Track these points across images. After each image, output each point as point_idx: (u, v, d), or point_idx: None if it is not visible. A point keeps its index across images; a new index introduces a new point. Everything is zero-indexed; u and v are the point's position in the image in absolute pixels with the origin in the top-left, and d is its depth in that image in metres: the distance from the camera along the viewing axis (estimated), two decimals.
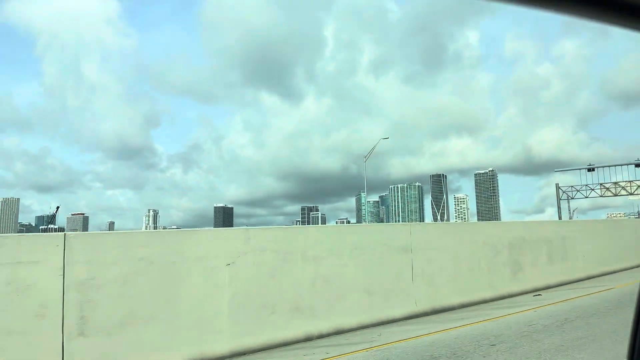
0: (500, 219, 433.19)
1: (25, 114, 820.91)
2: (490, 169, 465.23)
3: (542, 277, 12.64)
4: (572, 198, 68.02)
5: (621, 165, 61.11)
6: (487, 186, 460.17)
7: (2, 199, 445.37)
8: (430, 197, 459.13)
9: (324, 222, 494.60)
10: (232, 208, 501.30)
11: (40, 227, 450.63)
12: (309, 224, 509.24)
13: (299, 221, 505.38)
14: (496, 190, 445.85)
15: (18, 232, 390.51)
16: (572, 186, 69.62)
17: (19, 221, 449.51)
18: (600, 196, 67.81)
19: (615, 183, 67.57)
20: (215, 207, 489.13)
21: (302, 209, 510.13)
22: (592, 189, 67.57)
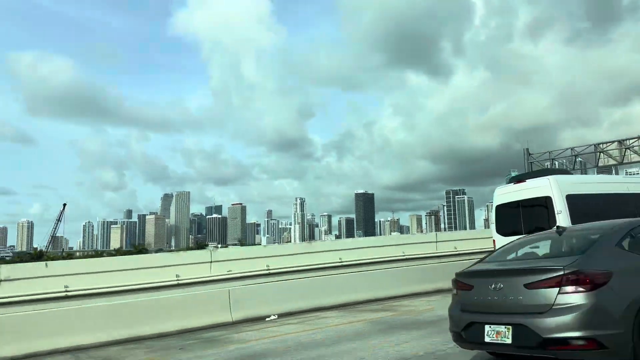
0: None
1: (197, 116, 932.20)
2: None
3: None
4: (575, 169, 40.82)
5: None
6: None
7: (175, 192, 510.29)
8: (596, 172, 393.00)
9: (471, 206, 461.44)
10: (372, 194, 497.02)
11: (207, 216, 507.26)
12: (454, 210, 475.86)
13: (444, 205, 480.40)
14: None
15: (190, 221, 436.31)
16: (571, 149, 41.43)
17: (191, 212, 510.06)
18: (620, 163, 39.59)
19: None
20: (355, 194, 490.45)
21: (447, 192, 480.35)
22: (602, 151, 39.69)
